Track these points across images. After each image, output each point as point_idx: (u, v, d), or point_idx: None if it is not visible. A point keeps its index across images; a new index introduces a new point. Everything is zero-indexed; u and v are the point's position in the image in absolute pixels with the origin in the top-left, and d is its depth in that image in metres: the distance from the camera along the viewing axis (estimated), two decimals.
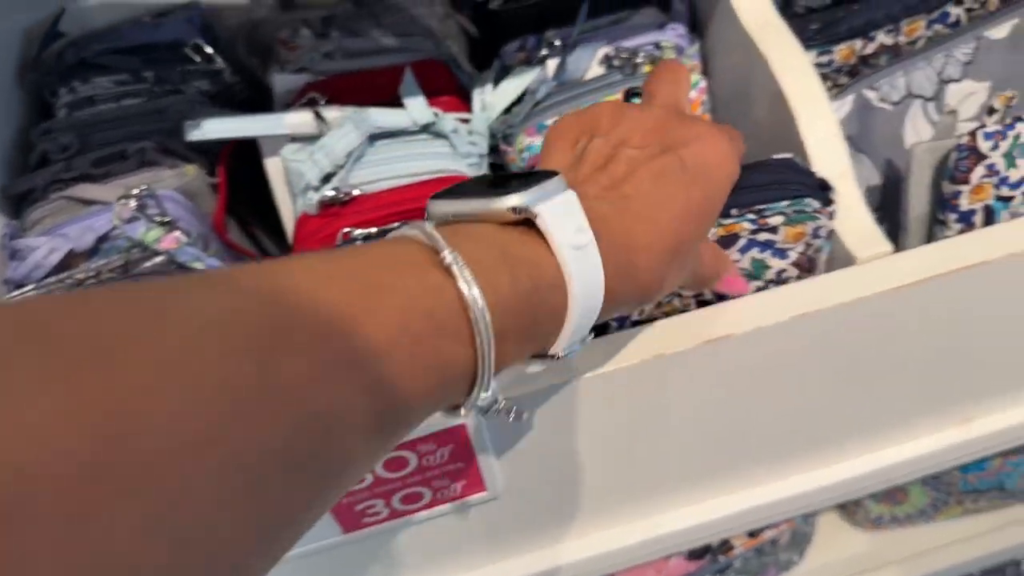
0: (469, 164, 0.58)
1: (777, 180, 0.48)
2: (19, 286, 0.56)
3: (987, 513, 0.99)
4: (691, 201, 0.38)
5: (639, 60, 0.58)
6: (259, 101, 0.69)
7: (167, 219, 0.56)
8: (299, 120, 0.58)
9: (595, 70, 0.61)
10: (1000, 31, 0.63)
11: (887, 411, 0.62)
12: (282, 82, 0.64)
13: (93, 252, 0.58)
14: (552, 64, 0.61)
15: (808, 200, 0.49)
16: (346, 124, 0.56)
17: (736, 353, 0.51)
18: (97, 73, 0.68)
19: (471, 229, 0.32)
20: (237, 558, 0.22)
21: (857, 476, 0.64)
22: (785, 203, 0.48)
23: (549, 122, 0.59)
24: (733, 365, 0.52)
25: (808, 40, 0.64)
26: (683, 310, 0.52)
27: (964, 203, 0.55)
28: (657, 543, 0.63)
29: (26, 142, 0.66)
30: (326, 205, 0.55)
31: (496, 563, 0.63)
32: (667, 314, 0.51)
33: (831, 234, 0.50)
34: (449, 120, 0.60)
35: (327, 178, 0.56)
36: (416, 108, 0.60)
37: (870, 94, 0.62)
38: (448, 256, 0.28)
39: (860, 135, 0.62)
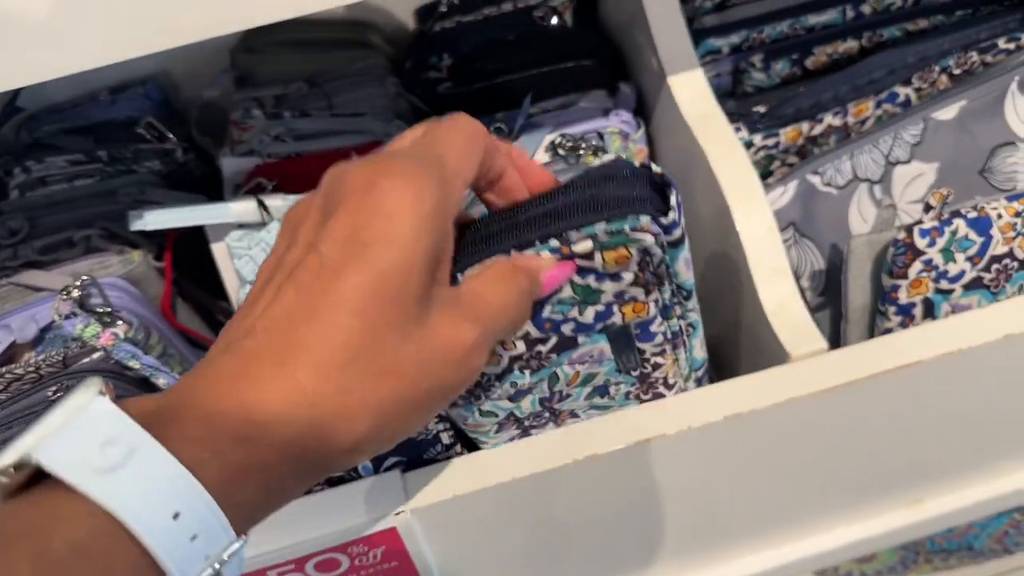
0: None
1: (592, 196, 0.40)
2: None
3: (958, 570, 0.99)
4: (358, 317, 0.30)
5: (581, 152, 0.58)
6: (214, 178, 0.70)
7: (108, 310, 0.56)
8: (243, 209, 0.58)
9: (541, 156, 0.61)
10: (948, 112, 0.63)
11: (831, 495, 0.62)
12: (230, 165, 0.64)
13: (38, 341, 0.59)
14: None
15: (632, 218, 0.39)
16: None
17: (669, 452, 0.51)
18: (51, 153, 0.68)
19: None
20: None
21: (803, 558, 0.64)
22: (601, 225, 0.39)
23: None
24: (666, 463, 0.52)
25: (754, 124, 0.65)
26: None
27: (903, 297, 0.55)
28: None
29: None
30: None
31: None
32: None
33: (682, 238, 0.43)
34: None
35: None
36: None
37: (814, 179, 0.62)
38: None
39: (804, 220, 0.62)
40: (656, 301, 0.44)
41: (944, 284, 0.55)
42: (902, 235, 0.53)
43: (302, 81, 0.70)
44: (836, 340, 0.62)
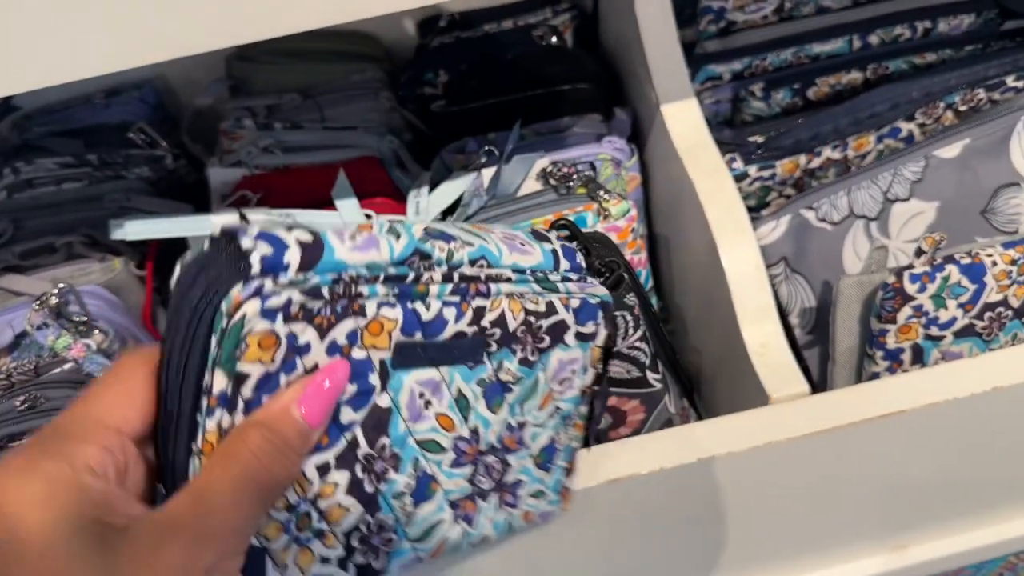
0: None
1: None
2: None
3: None
4: None
5: (572, 182, 0.57)
6: (204, 185, 0.69)
7: (84, 319, 0.56)
8: (225, 222, 0.58)
9: (531, 184, 0.60)
10: (951, 150, 0.62)
11: (811, 538, 0.60)
12: (217, 175, 0.63)
13: (13, 347, 0.58)
14: (488, 173, 0.60)
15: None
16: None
17: (640, 492, 0.50)
18: (41, 155, 0.68)
19: None
20: None
21: None
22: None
23: None
24: (639, 502, 0.51)
25: (750, 155, 0.63)
26: None
27: (891, 342, 0.54)
28: None
29: None
30: None
31: None
32: None
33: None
34: (382, 221, 0.59)
35: None
36: (348, 211, 0.59)
37: (808, 214, 0.61)
38: None
39: (796, 256, 0.61)
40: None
41: (934, 331, 0.54)
42: (892, 279, 0.52)
43: (296, 92, 0.69)
44: (824, 379, 0.61)
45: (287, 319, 0.30)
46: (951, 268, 0.52)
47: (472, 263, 0.36)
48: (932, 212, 0.62)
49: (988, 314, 0.54)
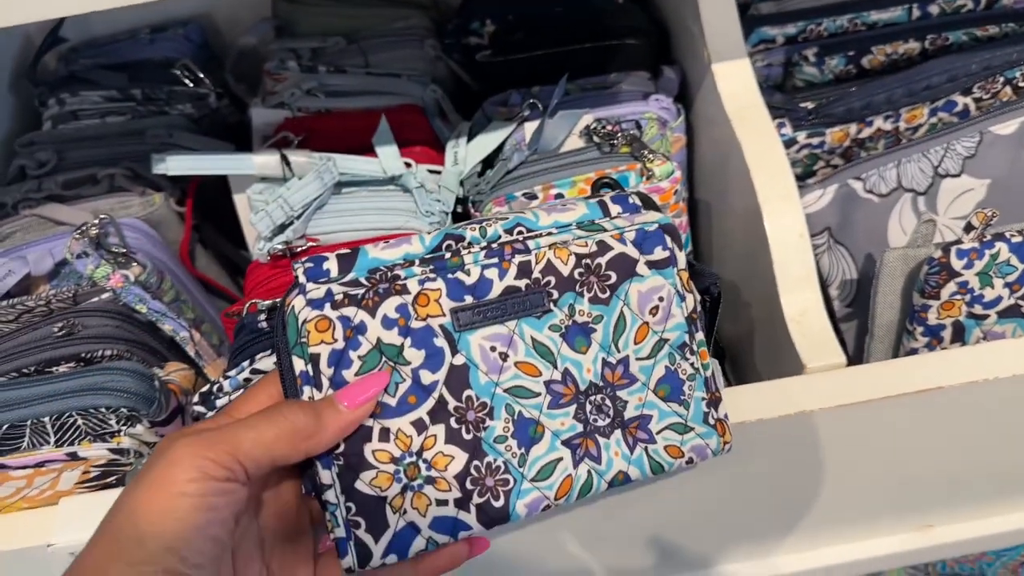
0: (431, 223, 0.57)
1: None
2: None
3: None
4: None
5: (616, 141, 0.56)
6: (246, 126, 0.69)
7: (123, 251, 0.56)
8: (266, 162, 0.58)
9: (574, 140, 0.59)
10: (1008, 126, 0.60)
11: (838, 510, 0.60)
12: (259, 116, 0.63)
13: (53, 275, 0.59)
14: (530, 127, 0.59)
15: None
16: (308, 175, 0.56)
17: None
18: (86, 87, 0.68)
19: None
20: None
21: (803, 571, 0.63)
22: None
23: (518, 193, 0.58)
24: None
25: (800, 121, 0.62)
26: None
27: (932, 317, 0.53)
28: None
29: (11, 152, 0.67)
30: (276, 256, 0.54)
31: None
32: None
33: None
34: (418, 174, 0.59)
35: (283, 227, 0.55)
36: (387, 158, 0.59)
37: (855, 184, 0.59)
38: None
39: (841, 226, 0.60)
40: None
41: (978, 309, 0.53)
42: (938, 254, 0.51)
43: (341, 36, 0.69)
44: (860, 354, 0.60)
45: (334, 306, 0.36)
46: (1001, 246, 0.51)
47: (508, 232, 0.40)
48: (983, 189, 0.60)
49: None
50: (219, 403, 0.44)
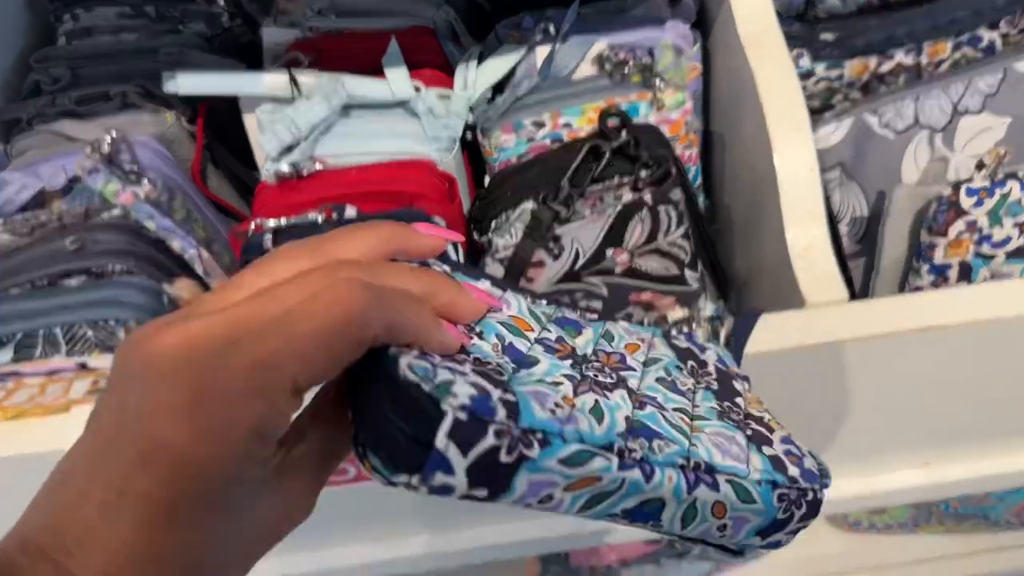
0: (438, 148, 0.57)
1: None
2: None
3: (971, 534, 0.97)
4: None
5: (627, 70, 0.56)
6: (258, 46, 0.69)
7: (134, 168, 0.57)
8: (275, 82, 0.58)
9: (586, 67, 0.58)
10: None
11: (838, 445, 0.61)
12: (270, 35, 0.63)
13: (67, 191, 0.60)
14: (542, 52, 0.58)
15: None
16: (315, 96, 0.56)
17: None
18: (101, 3, 0.68)
19: None
20: None
21: None
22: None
23: (527, 121, 0.57)
24: None
25: (819, 51, 0.61)
26: None
27: (939, 256, 0.52)
28: None
29: (27, 67, 0.67)
30: (283, 178, 0.55)
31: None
32: None
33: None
34: (427, 98, 0.58)
35: (290, 148, 0.56)
36: (397, 81, 0.59)
37: (871, 119, 0.58)
38: None
39: (854, 162, 0.59)
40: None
41: (986, 248, 0.52)
42: (947, 192, 0.50)
43: None
44: (867, 292, 0.60)
45: None
46: (1013, 185, 0.50)
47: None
48: (1002, 128, 0.59)
49: None
50: None
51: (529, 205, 0.54)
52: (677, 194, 0.52)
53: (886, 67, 0.62)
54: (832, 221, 0.59)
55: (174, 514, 0.26)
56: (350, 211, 0.51)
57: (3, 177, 0.58)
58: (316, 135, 0.56)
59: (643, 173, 0.51)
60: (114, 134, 0.57)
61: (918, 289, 0.54)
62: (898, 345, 0.49)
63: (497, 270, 0.55)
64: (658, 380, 0.35)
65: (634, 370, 0.35)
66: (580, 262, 0.54)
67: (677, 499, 0.31)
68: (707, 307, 0.54)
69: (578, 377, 0.32)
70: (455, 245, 0.50)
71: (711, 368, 0.39)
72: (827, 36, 0.61)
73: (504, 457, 0.27)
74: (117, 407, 0.26)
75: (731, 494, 0.31)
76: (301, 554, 0.64)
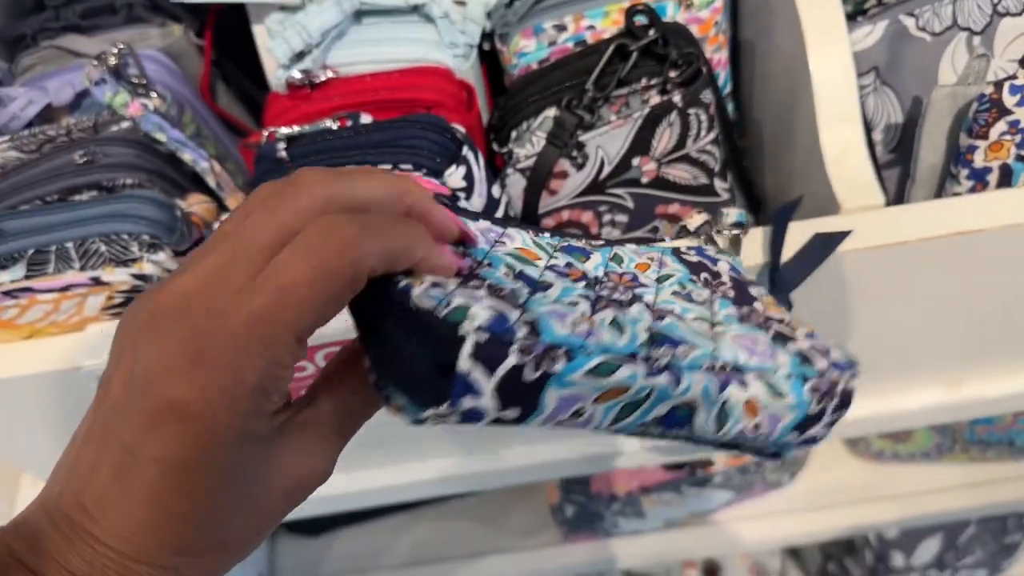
0: (455, 55, 0.55)
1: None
2: None
3: (995, 463, 0.96)
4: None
5: None
6: None
7: (142, 82, 0.55)
8: None
9: None
10: None
11: (868, 362, 0.59)
12: None
13: (74, 107, 0.58)
14: None
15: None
16: (326, 0, 0.53)
17: None
18: None
19: None
20: None
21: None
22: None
23: (547, 24, 0.55)
24: None
25: None
26: None
27: (979, 159, 0.50)
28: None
29: None
30: (295, 87, 0.53)
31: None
32: None
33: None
34: (442, 2, 0.56)
35: (301, 55, 0.54)
36: None
37: (907, 21, 0.56)
38: None
39: (889, 66, 0.56)
40: None
41: None
42: (989, 90, 0.48)
43: None
44: (901, 201, 0.58)
45: None
46: None
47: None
48: None
49: None
50: None
51: (551, 112, 0.52)
52: (708, 96, 0.50)
53: None
54: (867, 129, 0.57)
55: (185, 474, 0.26)
56: (365, 117, 0.49)
57: (8, 92, 0.56)
58: (328, 42, 0.54)
59: (672, 74, 0.49)
60: (120, 46, 0.55)
61: (956, 196, 0.52)
62: (935, 252, 0.48)
63: (518, 181, 0.53)
64: (673, 294, 0.35)
65: (647, 287, 0.35)
66: (605, 171, 0.52)
67: (707, 402, 0.30)
68: (731, 213, 0.52)
69: (593, 297, 0.32)
70: (475, 152, 0.48)
71: (725, 278, 0.38)
72: None
73: (529, 375, 0.27)
74: (124, 369, 0.27)
75: (761, 391, 0.31)
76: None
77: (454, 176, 0.46)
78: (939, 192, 0.54)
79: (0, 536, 0.27)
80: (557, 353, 0.27)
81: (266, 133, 0.49)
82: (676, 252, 0.39)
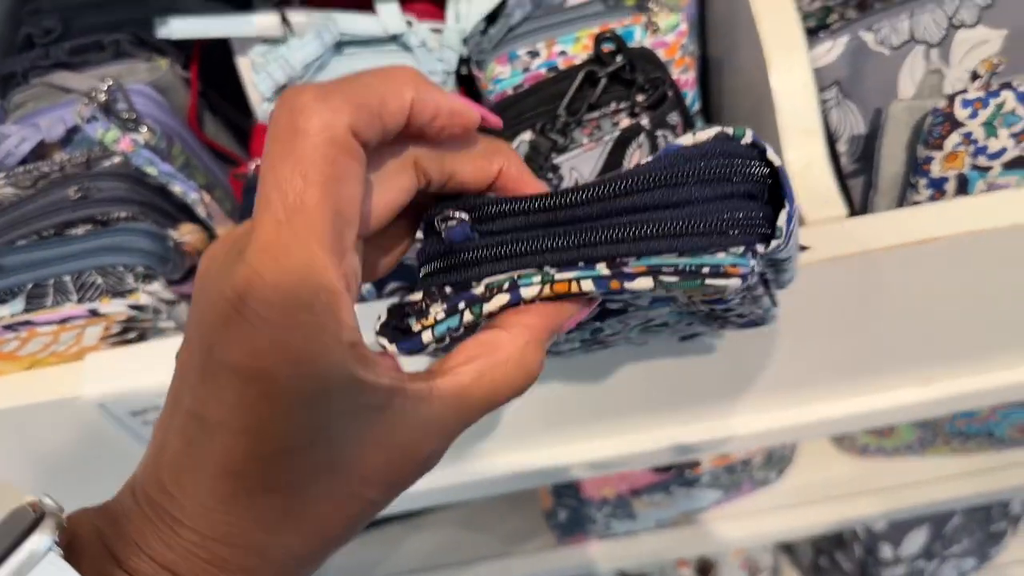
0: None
1: (667, 201, 0.28)
2: None
3: (976, 454, 0.99)
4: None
5: None
6: None
7: (132, 116, 0.57)
8: (266, 23, 0.57)
9: None
10: None
11: (841, 364, 0.61)
12: None
13: (66, 142, 0.60)
14: None
15: (714, 254, 0.28)
16: (308, 34, 0.55)
17: None
18: None
19: None
20: None
21: (812, 422, 0.65)
22: (671, 258, 0.28)
23: (521, 51, 0.57)
24: None
25: None
26: None
27: (936, 170, 0.52)
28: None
29: (18, 21, 0.67)
30: None
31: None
32: None
33: (785, 262, 0.33)
34: (419, 32, 0.58)
35: (285, 88, 0.56)
36: (388, 15, 0.58)
37: (867, 36, 0.58)
38: None
39: (851, 80, 0.59)
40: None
41: (982, 160, 0.52)
42: (942, 104, 0.50)
43: None
44: (865, 211, 0.60)
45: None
46: (1007, 95, 0.50)
47: None
48: (999, 41, 0.58)
49: None
50: None
51: (527, 136, 0.54)
52: (674, 117, 0.52)
53: None
54: (831, 142, 0.59)
55: (258, 439, 0.24)
56: None
57: (2, 131, 0.58)
58: (311, 75, 0.56)
59: (639, 97, 0.51)
60: (109, 82, 0.57)
61: (917, 204, 0.54)
62: (898, 259, 0.50)
63: None
64: None
65: None
66: None
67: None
68: None
69: None
70: None
71: None
72: None
73: None
74: (191, 336, 0.26)
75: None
76: None
77: None
78: (901, 200, 0.56)
79: (91, 516, 0.26)
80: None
81: (252, 165, 0.51)
82: None
